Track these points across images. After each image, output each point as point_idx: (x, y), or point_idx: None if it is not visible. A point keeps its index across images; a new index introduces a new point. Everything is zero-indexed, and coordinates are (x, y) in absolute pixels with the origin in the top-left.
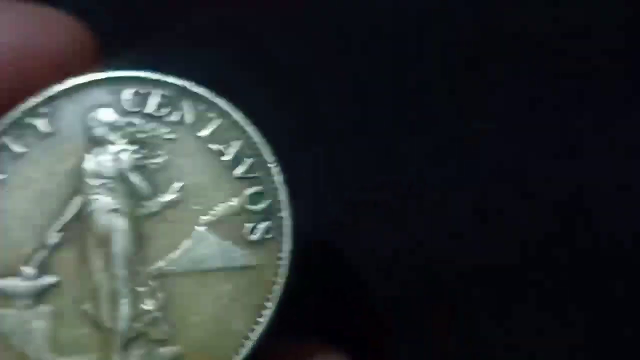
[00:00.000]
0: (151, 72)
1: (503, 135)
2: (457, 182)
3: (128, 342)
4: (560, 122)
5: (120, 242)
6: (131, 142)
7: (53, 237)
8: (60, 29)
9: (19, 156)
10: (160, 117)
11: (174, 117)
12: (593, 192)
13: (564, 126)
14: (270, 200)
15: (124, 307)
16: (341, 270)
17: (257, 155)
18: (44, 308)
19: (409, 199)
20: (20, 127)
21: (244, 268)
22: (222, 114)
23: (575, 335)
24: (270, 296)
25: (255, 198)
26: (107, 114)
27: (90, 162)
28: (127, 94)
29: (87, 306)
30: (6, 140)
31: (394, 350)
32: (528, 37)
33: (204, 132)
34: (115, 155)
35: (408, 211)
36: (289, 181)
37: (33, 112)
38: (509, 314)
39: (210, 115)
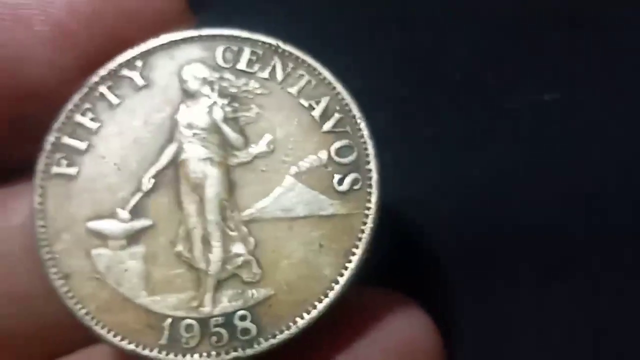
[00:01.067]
0: (242, 30)
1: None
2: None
3: (220, 283)
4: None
5: (213, 189)
6: (223, 96)
7: (148, 183)
8: None
9: (115, 106)
10: (251, 73)
11: (265, 74)
12: None
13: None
14: (357, 154)
15: (217, 250)
16: (421, 225)
17: (345, 110)
18: (138, 249)
19: (488, 157)
20: (116, 79)
21: (332, 216)
22: (311, 71)
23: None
24: (358, 243)
25: (343, 151)
26: (200, 69)
27: (184, 114)
28: (220, 50)
29: (180, 248)
30: (103, 90)
31: (466, 307)
32: None
33: (294, 88)
34: (208, 107)
35: (487, 169)
36: (376, 136)
37: (129, 64)
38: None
39: (300, 72)
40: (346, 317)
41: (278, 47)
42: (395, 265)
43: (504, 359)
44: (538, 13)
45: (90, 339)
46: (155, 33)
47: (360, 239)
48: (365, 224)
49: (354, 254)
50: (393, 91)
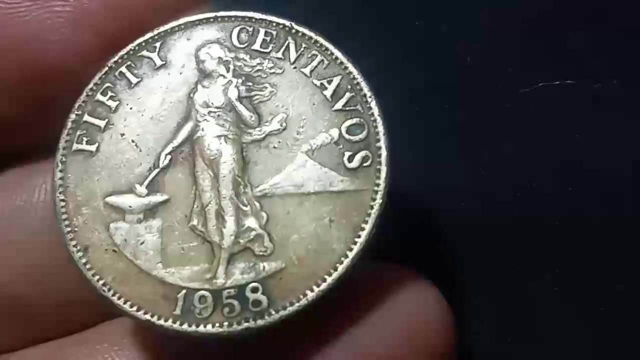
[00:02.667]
0: (257, 11)
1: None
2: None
3: (232, 256)
4: None
5: (227, 165)
6: (238, 75)
7: (164, 159)
8: None
9: (133, 85)
10: (265, 52)
11: (279, 54)
12: None
13: None
14: (367, 131)
15: (230, 224)
16: (430, 203)
17: (357, 89)
18: (155, 222)
19: (496, 136)
20: (135, 59)
21: (342, 192)
22: (324, 51)
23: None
24: (367, 219)
25: (353, 129)
26: (216, 49)
27: (201, 93)
28: (235, 31)
29: (195, 222)
30: (123, 69)
31: (475, 282)
32: None
33: (307, 68)
34: (224, 86)
35: (495, 149)
36: (386, 114)
37: (148, 45)
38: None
39: (313, 52)
40: (357, 290)
41: (292, 27)
42: (406, 242)
43: (517, 333)
44: (557, 6)
45: (104, 315)
46: (173, 15)
47: (369, 215)
48: (374, 200)
49: (363, 229)
50: (406, 75)
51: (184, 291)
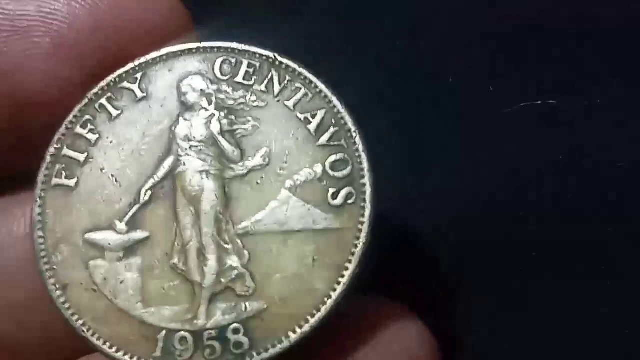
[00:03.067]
0: (240, 42)
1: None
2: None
3: (214, 296)
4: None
5: (209, 202)
6: (221, 109)
7: (145, 195)
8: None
9: (114, 117)
10: (248, 85)
11: (262, 86)
12: None
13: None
14: (352, 167)
15: (211, 263)
16: (414, 235)
17: (341, 124)
18: (135, 261)
19: (479, 166)
20: (116, 91)
21: (326, 230)
22: (308, 83)
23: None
24: (351, 258)
25: (337, 165)
26: (198, 81)
27: (182, 126)
28: (218, 63)
29: (175, 260)
30: (103, 101)
31: (463, 313)
32: None
33: (290, 101)
34: (206, 119)
35: (478, 178)
36: (370, 149)
37: (129, 76)
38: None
39: (297, 84)
40: (343, 327)
41: (275, 59)
42: (391, 274)
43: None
44: (538, 20)
45: (87, 348)
46: (158, 45)
47: (353, 254)
48: (358, 238)
49: (346, 268)
50: (389, 99)
51: (164, 332)
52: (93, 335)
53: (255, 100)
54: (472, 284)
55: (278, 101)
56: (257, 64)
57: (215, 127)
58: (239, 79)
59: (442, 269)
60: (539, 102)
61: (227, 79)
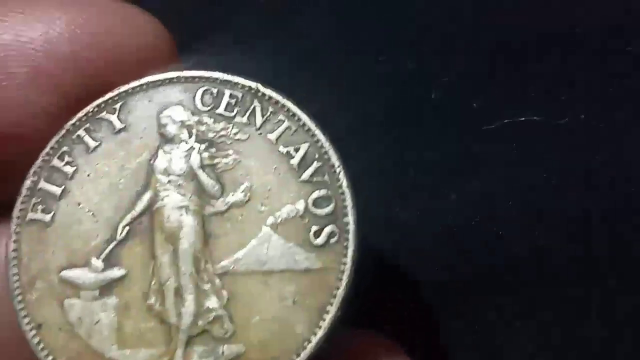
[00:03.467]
0: (223, 72)
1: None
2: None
3: (191, 339)
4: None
5: (187, 239)
6: (201, 141)
7: (122, 231)
8: (139, 27)
9: (92, 149)
10: (230, 117)
11: (244, 118)
12: None
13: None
14: (335, 205)
15: (189, 304)
16: (396, 270)
17: (325, 159)
18: (111, 300)
19: (463, 200)
20: (94, 121)
21: (307, 271)
22: (291, 116)
23: None
24: (333, 300)
25: (320, 202)
26: (179, 112)
27: (161, 159)
28: (199, 93)
29: (152, 300)
30: (80, 133)
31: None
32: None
33: (273, 134)
34: (186, 152)
35: (462, 212)
36: (354, 185)
37: (108, 106)
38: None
39: (280, 117)
40: None
41: (258, 90)
42: (378, 306)
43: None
44: (521, 40)
45: None
46: (140, 73)
47: (334, 296)
48: (340, 280)
49: (328, 312)
50: (374, 125)
51: None
52: None
53: (237, 133)
54: (459, 315)
55: (260, 134)
56: (240, 95)
57: (195, 161)
58: (221, 110)
59: (427, 300)
60: (522, 118)
61: (209, 110)
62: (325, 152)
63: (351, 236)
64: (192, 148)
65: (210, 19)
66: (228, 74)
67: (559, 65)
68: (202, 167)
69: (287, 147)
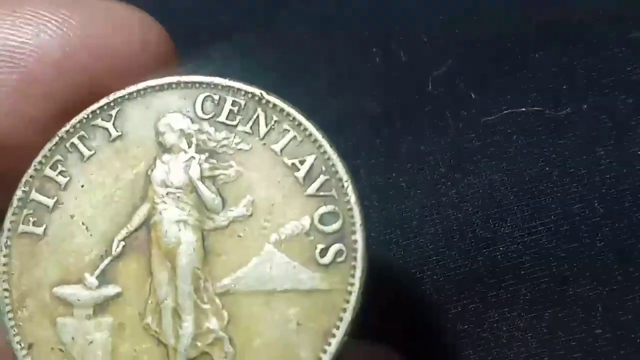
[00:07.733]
0: (224, 78)
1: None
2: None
3: None
4: None
5: (186, 256)
6: (201, 151)
7: (117, 246)
8: (136, 27)
9: (86, 158)
10: (232, 125)
11: (247, 127)
12: None
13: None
14: (342, 221)
15: (188, 325)
16: (404, 277)
17: (332, 172)
18: (105, 320)
19: (471, 217)
20: (89, 129)
21: (312, 291)
22: (296, 125)
23: None
24: (339, 323)
25: (327, 218)
26: (178, 120)
27: (159, 170)
28: (199, 100)
29: (149, 320)
30: (74, 141)
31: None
32: None
33: (277, 145)
34: (185, 163)
35: (469, 227)
36: (363, 201)
37: (103, 113)
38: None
39: (284, 126)
40: None
41: (262, 97)
42: (382, 317)
43: None
44: (520, 31)
45: None
46: (137, 78)
47: (341, 319)
48: (347, 302)
49: (333, 335)
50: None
51: None
52: None
53: (239, 143)
54: (464, 326)
55: (264, 144)
56: (242, 102)
57: (194, 172)
58: (222, 118)
59: (433, 312)
60: (523, 109)
61: (209, 118)
62: (333, 165)
63: (359, 255)
64: (191, 158)
65: (210, 20)
66: (230, 80)
67: (560, 54)
68: (202, 179)
69: (292, 158)
